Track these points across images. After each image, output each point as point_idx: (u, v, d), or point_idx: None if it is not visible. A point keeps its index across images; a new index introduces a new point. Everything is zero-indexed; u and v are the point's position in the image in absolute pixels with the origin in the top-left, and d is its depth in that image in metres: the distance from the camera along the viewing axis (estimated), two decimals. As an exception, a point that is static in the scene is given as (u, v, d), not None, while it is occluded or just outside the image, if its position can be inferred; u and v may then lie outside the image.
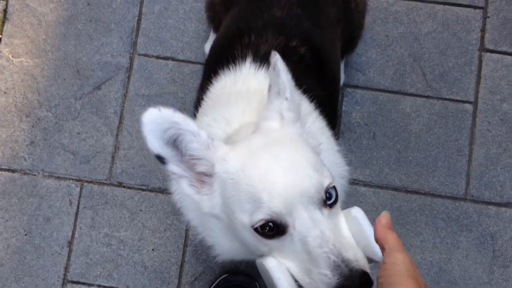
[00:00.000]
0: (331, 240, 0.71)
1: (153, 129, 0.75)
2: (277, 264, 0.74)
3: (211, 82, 1.02)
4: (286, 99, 0.79)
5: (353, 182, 1.41)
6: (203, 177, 0.78)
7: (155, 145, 0.74)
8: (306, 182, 0.72)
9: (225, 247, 0.88)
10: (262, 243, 0.74)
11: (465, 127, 1.46)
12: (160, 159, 0.75)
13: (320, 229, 0.71)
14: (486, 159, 1.44)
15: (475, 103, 1.47)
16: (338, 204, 0.76)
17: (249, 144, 0.77)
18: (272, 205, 0.71)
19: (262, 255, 0.76)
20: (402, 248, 0.68)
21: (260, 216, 0.72)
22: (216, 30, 1.34)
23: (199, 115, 1.01)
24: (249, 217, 0.73)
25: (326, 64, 1.10)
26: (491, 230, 1.41)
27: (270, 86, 0.80)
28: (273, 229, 0.72)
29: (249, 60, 0.99)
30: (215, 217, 0.81)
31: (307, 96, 0.96)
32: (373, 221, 0.72)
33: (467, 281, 1.39)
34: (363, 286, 0.69)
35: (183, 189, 0.78)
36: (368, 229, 0.74)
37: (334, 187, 0.75)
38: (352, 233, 0.76)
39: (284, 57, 0.92)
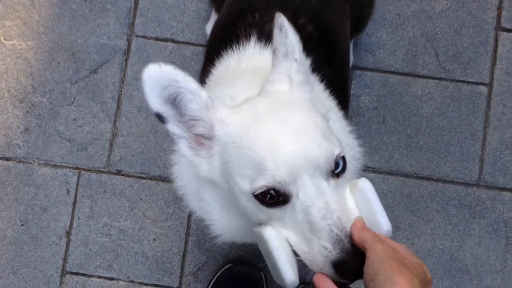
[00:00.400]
0: (335, 212, 0.69)
1: (153, 86, 0.73)
2: (276, 234, 0.72)
3: (213, 65, 0.99)
4: (296, 60, 0.76)
5: (362, 168, 1.38)
6: (202, 139, 0.75)
7: (155, 102, 0.72)
8: (315, 151, 0.69)
9: (224, 225, 0.85)
10: (261, 211, 0.72)
11: (479, 110, 1.42)
12: (160, 117, 0.74)
13: (325, 200, 0.69)
14: (500, 144, 1.41)
15: (490, 85, 1.43)
16: (346, 174, 0.73)
17: (254, 107, 0.74)
18: (276, 173, 0.69)
19: (260, 224, 0.74)
20: (383, 240, 0.68)
21: (261, 183, 0.69)
22: (218, 10, 1.30)
23: None
24: (249, 183, 0.70)
25: (336, 43, 1.06)
26: (505, 217, 1.39)
27: (275, 49, 0.76)
28: (275, 197, 0.70)
29: (253, 39, 0.96)
30: (213, 183, 0.79)
31: (316, 75, 0.91)
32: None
33: (479, 269, 1.37)
34: (364, 264, 0.66)
35: (182, 150, 0.76)
36: (375, 202, 0.72)
37: (343, 157, 0.72)
38: (357, 205, 0.73)
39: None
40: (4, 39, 1.46)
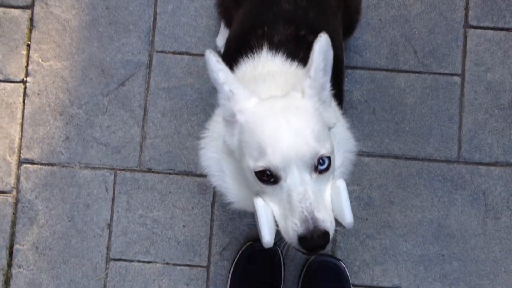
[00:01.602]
0: (309, 199, 0.85)
1: (207, 67, 0.91)
2: (264, 205, 0.89)
3: (232, 70, 1.11)
4: (310, 77, 0.90)
5: (358, 153, 1.57)
6: (229, 117, 0.93)
7: (210, 77, 0.91)
8: (304, 148, 0.85)
9: (236, 194, 1.02)
10: (259, 186, 0.89)
11: (455, 97, 1.59)
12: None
13: (304, 188, 0.85)
14: (474, 125, 1.58)
15: (462, 75, 1.60)
16: (329, 173, 0.90)
17: (273, 104, 0.90)
18: (272, 158, 0.85)
19: (257, 196, 0.91)
20: None
21: (261, 164, 0.86)
22: (227, 24, 1.45)
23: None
24: (253, 162, 0.87)
25: (332, 49, 1.22)
26: (483, 187, 1.56)
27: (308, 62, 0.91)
28: (269, 177, 0.86)
29: (265, 48, 1.09)
30: (230, 155, 0.97)
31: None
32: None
33: (464, 233, 1.54)
34: (320, 242, 0.84)
35: (223, 113, 0.93)
36: (344, 198, 0.89)
37: (329, 158, 0.88)
38: (332, 199, 0.90)
39: (297, 45, 1.07)
40: (42, 61, 1.66)
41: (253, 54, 1.11)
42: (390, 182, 1.57)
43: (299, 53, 1.09)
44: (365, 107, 1.60)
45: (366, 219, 1.56)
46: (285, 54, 1.08)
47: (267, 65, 1.08)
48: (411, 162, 1.58)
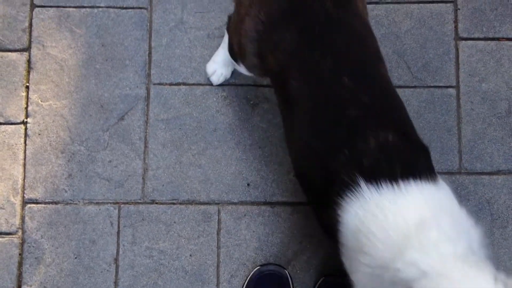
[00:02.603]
0: None
1: None
2: None
3: (337, 217, 0.91)
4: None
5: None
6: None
7: None
8: None
9: None
10: None
11: (451, 109, 1.62)
12: None
13: None
14: (473, 135, 1.60)
15: (457, 87, 1.62)
16: None
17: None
18: None
19: None
20: None
21: None
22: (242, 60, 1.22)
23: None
24: None
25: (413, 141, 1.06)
26: (487, 197, 1.57)
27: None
28: None
29: (363, 184, 0.87)
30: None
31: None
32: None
33: None
34: None
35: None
36: None
37: None
38: None
39: (392, 158, 0.89)
40: (41, 101, 1.70)
41: (353, 193, 0.88)
42: None
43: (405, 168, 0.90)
44: None
45: (373, 237, 1.57)
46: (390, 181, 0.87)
47: (391, 211, 0.85)
48: (413, 176, 1.59)
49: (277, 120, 1.65)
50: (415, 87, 1.63)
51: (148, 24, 1.71)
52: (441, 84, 1.63)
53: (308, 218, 1.59)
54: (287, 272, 1.49)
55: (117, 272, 1.57)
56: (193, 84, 1.67)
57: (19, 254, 1.60)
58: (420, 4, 1.69)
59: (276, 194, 1.61)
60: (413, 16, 1.68)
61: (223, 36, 1.70)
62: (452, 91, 1.63)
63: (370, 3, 1.69)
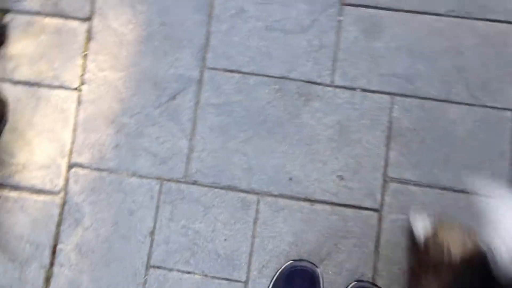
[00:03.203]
0: None
1: None
2: None
3: None
4: None
5: (404, 182, 1.62)
6: None
7: None
8: None
9: None
10: None
11: (506, 132, 1.62)
12: None
13: None
14: None
15: None
16: None
17: None
18: None
19: None
20: None
21: None
22: None
23: None
24: None
25: None
26: None
27: None
28: None
29: None
30: None
31: None
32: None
33: None
34: None
35: None
36: None
37: None
38: None
39: None
40: (98, 71, 1.76)
41: None
42: (436, 214, 1.59)
43: None
44: (414, 135, 1.64)
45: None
46: None
47: None
48: (459, 195, 1.60)
49: (327, 119, 1.67)
50: (471, 105, 1.65)
51: (209, 9, 1.75)
52: (498, 106, 1.64)
53: (347, 221, 1.61)
54: (319, 270, 1.52)
55: (151, 245, 1.63)
56: (247, 73, 1.71)
57: (59, 214, 1.67)
58: (486, 22, 1.69)
59: (317, 192, 1.63)
60: (477, 32, 1.69)
61: (281, 30, 1.74)
62: (509, 114, 1.64)
63: (432, 14, 1.69)
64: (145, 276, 1.62)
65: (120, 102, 1.72)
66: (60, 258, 1.65)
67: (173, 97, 1.71)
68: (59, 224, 1.67)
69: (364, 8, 1.74)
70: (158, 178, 1.67)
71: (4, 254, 1.67)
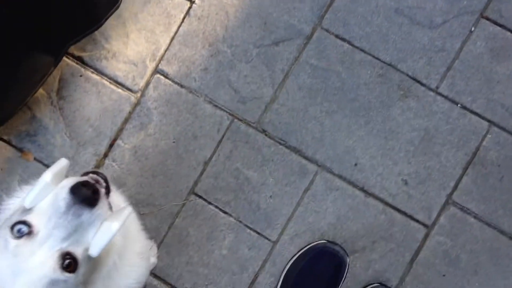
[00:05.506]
0: None
1: None
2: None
3: None
4: None
5: (466, 210, 1.68)
6: None
7: None
8: None
9: None
10: None
11: None
12: None
13: None
14: None
15: None
16: None
17: None
18: None
19: None
20: None
21: None
22: None
23: None
24: None
25: None
26: None
27: None
28: None
29: None
30: None
31: None
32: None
33: None
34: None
35: None
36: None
37: None
38: None
39: None
40: (215, -9, 1.90)
41: None
42: (485, 253, 1.69)
43: None
44: (495, 170, 1.73)
45: (444, 275, 1.66)
46: None
47: None
48: (514, 244, 1.71)
49: (415, 121, 1.73)
50: None
51: (345, -32, 1.83)
52: None
53: (393, 225, 1.70)
54: (348, 260, 1.61)
55: (201, 173, 1.79)
56: (357, 47, 1.80)
57: (129, 112, 1.85)
58: None
59: (376, 187, 1.73)
60: None
61: (410, 17, 1.78)
62: None
63: None
64: (184, 200, 1.78)
65: (224, 29, 1.85)
66: (115, 153, 1.84)
67: (276, 43, 1.83)
68: (125, 121, 1.85)
69: (500, 28, 1.77)
70: (231, 114, 1.81)
71: (67, 128, 1.87)
